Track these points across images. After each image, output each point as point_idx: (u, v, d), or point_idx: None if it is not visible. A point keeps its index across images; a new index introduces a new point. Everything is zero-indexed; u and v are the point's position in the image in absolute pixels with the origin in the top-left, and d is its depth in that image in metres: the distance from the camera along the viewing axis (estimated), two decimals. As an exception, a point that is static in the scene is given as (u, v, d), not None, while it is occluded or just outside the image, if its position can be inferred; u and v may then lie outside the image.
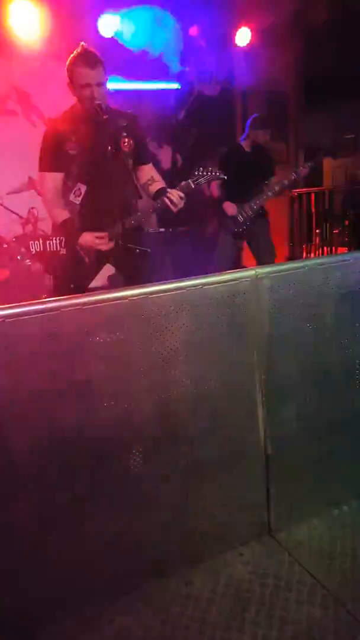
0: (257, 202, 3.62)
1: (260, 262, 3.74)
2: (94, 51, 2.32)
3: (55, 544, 1.50)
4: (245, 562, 1.74)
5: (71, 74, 2.33)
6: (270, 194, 3.61)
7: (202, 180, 2.40)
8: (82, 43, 2.33)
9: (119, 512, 1.58)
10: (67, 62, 2.33)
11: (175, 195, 2.37)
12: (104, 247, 2.44)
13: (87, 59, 2.28)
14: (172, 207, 2.39)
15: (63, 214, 2.44)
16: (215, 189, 3.67)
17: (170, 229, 4.63)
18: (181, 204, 2.40)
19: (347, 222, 5.34)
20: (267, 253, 3.78)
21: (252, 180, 3.59)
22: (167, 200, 2.38)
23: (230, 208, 3.59)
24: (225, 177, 2.46)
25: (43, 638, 1.50)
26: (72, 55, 2.32)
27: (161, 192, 2.48)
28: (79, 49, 2.31)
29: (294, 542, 1.80)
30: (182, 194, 2.38)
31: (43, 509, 1.48)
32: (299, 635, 1.46)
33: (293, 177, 3.60)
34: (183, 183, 2.41)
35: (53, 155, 2.42)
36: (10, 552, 1.46)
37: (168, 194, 2.37)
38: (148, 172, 2.61)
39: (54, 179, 2.45)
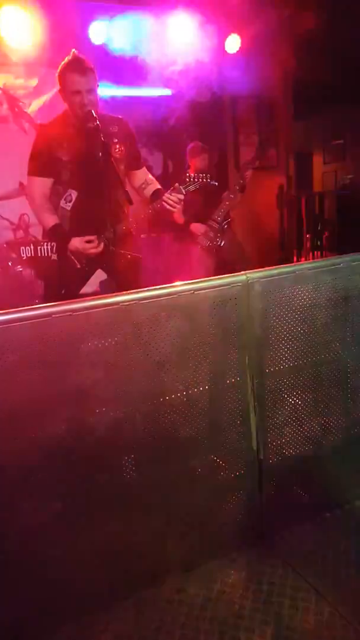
0: (220, 214, 3.78)
1: (233, 267, 3.85)
2: (85, 58, 2.33)
3: (48, 552, 1.49)
4: (238, 568, 1.73)
5: (62, 80, 2.33)
6: (228, 203, 3.77)
7: (192, 187, 2.41)
8: (74, 50, 2.34)
9: (112, 519, 1.57)
10: (59, 69, 2.34)
11: (174, 198, 2.38)
12: (93, 251, 2.44)
13: (78, 65, 2.30)
14: (171, 209, 2.40)
15: (52, 219, 2.44)
16: (178, 217, 3.84)
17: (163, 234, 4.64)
18: (180, 206, 2.42)
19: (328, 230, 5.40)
20: (238, 257, 3.91)
21: (206, 201, 3.75)
22: (165, 204, 2.39)
23: (199, 227, 3.80)
24: (216, 184, 2.48)
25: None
26: (63, 62, 2.32)
27: (157, 194, 2.49)
28: (70, 56, 2.32)
29: (287, 547, 1.80)
30: (180, 196, 2.39)
31: (35, 517, 1.46)
32: (293, 640, 1.46)
33: (241, 182, 3.75)
34: (175, 187, 2.41)
35: (43, 160, 2.42)
36: (4, 561, 1.45)
37: (166, 197, 2.39)
38: (141, 176, 2.63)
39: (43, 184, 2.45)
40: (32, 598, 1.50)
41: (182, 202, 2.43)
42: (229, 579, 1.69)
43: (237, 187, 3.75)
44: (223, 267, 3.88)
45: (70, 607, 1.55)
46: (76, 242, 2.43)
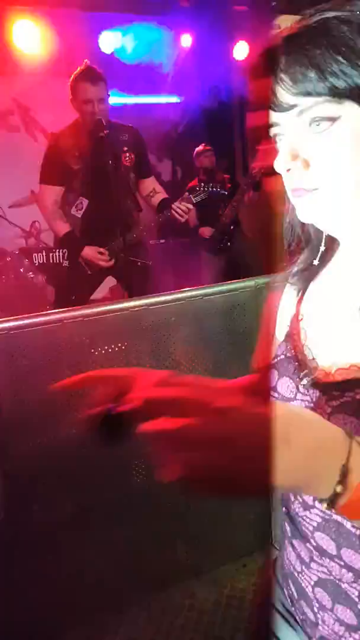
0: (227, 215, 3.79)
1: (247, 272, 3.86)
2: (97, 68, 2.38)
3: (58, 555, 1.51)
4: (248, 573, 1.73)
5: (74, 89, 2.38)
6: (235, 204, 3.78)
7: (202, 195, 2.43)
8: (86, 60, 2.39)
9: (122, 523, 1.58)
10: (71, 79, 2.38)
11: (183, 207, 2.41)
12: (104, 264, 2.48)
13: (90, 75, 2.34)
14: (179, 218, 2.43)
15: (64, 227, 2.48)
16: (192, 219, 3.87)
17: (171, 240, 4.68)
18: (188, 215, 2.44)
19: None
20: (249, 259, 3.94)
21: (216, 204, 3.76)
22: (174, 213, 2.42)
23: (206, 231, 3.84)
24: (226, 193, 2.51)
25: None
26: (75, 72, 2.37)
27: (165, 203, 2.52)
28: (82, 66, 2.37)
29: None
30: (189, 206, 2.42)
31: (45, 520, 1.48)
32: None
33: (250, 181, 3.74)
34: (184, 196, 2.44)
35: (54, 168, 2.46)
36: (18, 564, 1.47)
37: (174, 206, 2.42)
38: (150, 184, 2.66)
39: (54, 192, 2.49)
40: (45, 600, 1.51)
41: (192, 210, 2.45)
42: (240, 584, 1.69)
43: (245, 187, 3.76)
44: (234, 269, 3.89)
45: (82, 610, 1.56)
46: (89, 251, 2.47)
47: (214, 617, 1.58)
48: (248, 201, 3.83)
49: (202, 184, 2.44)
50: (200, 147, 4.01)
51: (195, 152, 4.04)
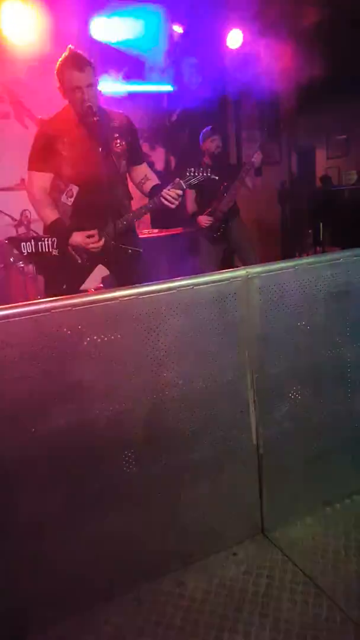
0: (225, 202, 3.77)
1: (244, 262, 3.86)
2: (82, 53, 2.31)
3: (48, 545, 1.50)
4: (238, 562, 1.74)
5: (61, 77, 2.32)
6: (234, 192, 3.77)
7: (193, 180, 2.40)
8: (70, 46, 2.31)
9: (112, 513, 1.58)
10: (56, 66, 2.32)
11: (172, 193, 2.37)
12: (94, 246, 2.44)
13: (76, 61, 2.27)
14: (169, 205, 2.39)
15: (53, 214, 2.44)
16: (190, 205, 3.86)
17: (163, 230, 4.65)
18: (178, 202, 2.40)
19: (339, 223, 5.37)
20: (247, 253, 3.91)
21: (217, 187, 3.73)
22: (163, 199, 2.38)
23: (204, 220, 3.81)
24: (217, 178, 2.47)
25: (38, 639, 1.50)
26: (60, 59, 2.30)
27: (156, 190, 2.48)
28: (66, 52, 2.30)
29: (287, 541, 1.81)
30: (179, 192, 2.38)
31: (35, 510, 1.47)
32: (292, 634, 1.47)
33: (248, 168, 3.74)
34: (175, 182, 2.41)
35: (43, 155, 2.42)
36: (9, 555, 1.46)
37: (164, 193, 2.38)
38: (142, 171, 2.62)
39: (42, 179, 2.45)
40: (36, 591, 1.51)
41: (189, 197, 2.40)
42: (229, 573, 1.70)
43: (243, 174, 3.72)
44: (230, 257, 3.87)
45: (72, 600, 1.56)
46: (77, 237, 2.43)
47: (204, 606, 1.58)
48: (251, 185, 3.78)
49: (193, 169, 2.40)
50: (206, 130, 3.88)
51: (202, 133, 3.91)
